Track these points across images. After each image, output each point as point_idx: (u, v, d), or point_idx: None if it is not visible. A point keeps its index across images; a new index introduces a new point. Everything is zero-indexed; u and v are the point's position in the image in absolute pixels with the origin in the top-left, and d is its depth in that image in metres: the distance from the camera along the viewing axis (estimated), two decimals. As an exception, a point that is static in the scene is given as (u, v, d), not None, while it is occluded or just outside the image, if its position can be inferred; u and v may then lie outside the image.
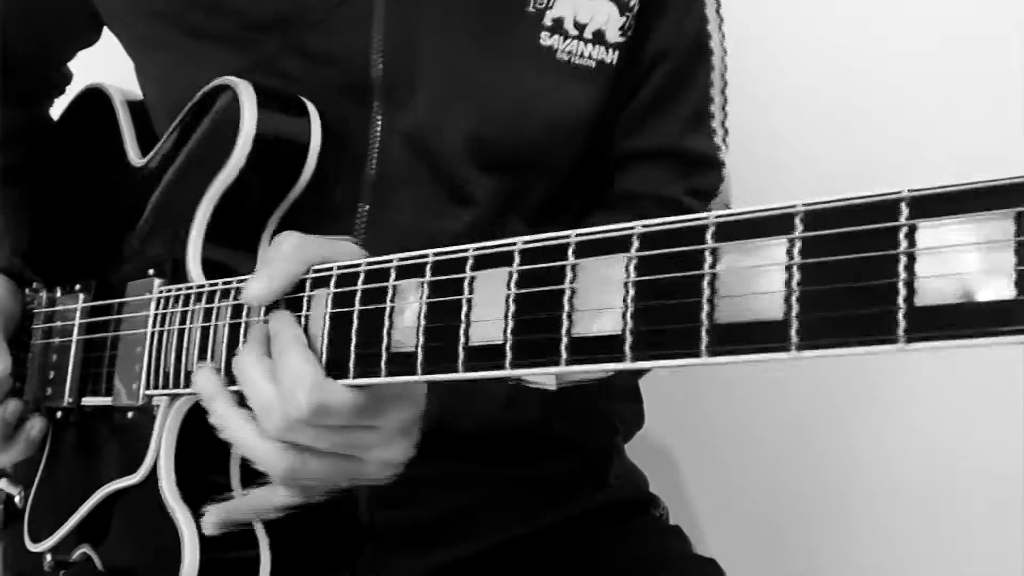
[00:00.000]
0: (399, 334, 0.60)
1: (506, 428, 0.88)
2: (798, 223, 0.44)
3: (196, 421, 0.79)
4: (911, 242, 0.41)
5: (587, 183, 0.95)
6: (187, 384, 0.76)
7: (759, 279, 0.45)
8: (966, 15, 1.18)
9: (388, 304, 0.61)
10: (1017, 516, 1.12)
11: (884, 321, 0.41)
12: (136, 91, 1.01)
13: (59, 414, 0.93)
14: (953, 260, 0.40)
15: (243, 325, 0.71)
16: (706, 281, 0.46)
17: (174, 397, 0.79)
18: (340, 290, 0.64)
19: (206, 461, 0.80)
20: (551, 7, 0.86)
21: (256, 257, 0.82)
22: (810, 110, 1.27)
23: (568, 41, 0.86)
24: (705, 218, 0.47)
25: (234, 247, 0.82)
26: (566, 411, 0.90)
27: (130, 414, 0.83)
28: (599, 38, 0.87)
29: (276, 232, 0.82)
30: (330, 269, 0.66)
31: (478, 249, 0.57)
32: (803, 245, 0.44)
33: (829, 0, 1.28)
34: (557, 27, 0.86)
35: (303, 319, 0.66)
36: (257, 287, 0.68)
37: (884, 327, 0.41)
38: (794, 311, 0.44)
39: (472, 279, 0.57)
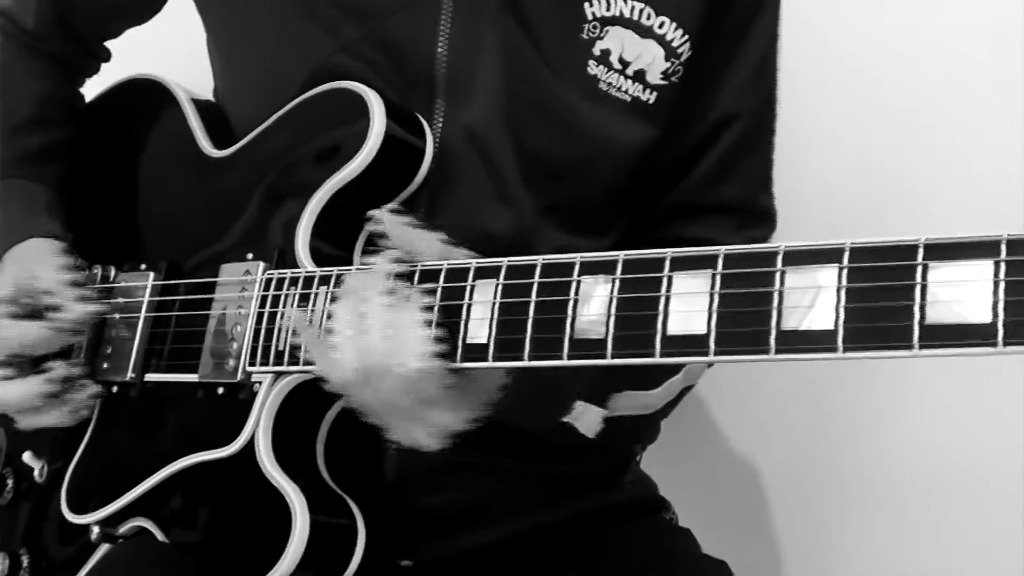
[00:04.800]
0: (583, 323, 0.68)
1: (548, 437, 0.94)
2: (1002, 250, 0.56)
3: (293, 400, 0.85)
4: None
5: (626, 209, 1.02)
6: (306, 362, 0.81)
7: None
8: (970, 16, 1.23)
9: (572, 296, 0.69)
10: (1018, 516, 1.21)
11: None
12: (193, 89, 1.05)
13: (115, 388, 0.95)
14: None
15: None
16: (918, 291, 0.58)
17: (278, 375, 0.84)
18: (510, 282, 0.72)
19: (296, 437, 0.85)
20: (602, 38, 0.91)
21: (354, 250, 0.88)
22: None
23: (610, 73, 0.92)
24: (916, 239, 0.59)
25: (336, 240, 0.88)
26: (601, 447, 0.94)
27: (220, 390, 0.87)
28: (639, 77, 0.93)
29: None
30: (499, 262, 0.73)
31: (676, 252, 0.66)
32: (1008, 267, 0.56)
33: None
34: (604, 58, 0.92)
35: (465, 307, 0.74)
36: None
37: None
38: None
39: (670, 279, 0.66)
